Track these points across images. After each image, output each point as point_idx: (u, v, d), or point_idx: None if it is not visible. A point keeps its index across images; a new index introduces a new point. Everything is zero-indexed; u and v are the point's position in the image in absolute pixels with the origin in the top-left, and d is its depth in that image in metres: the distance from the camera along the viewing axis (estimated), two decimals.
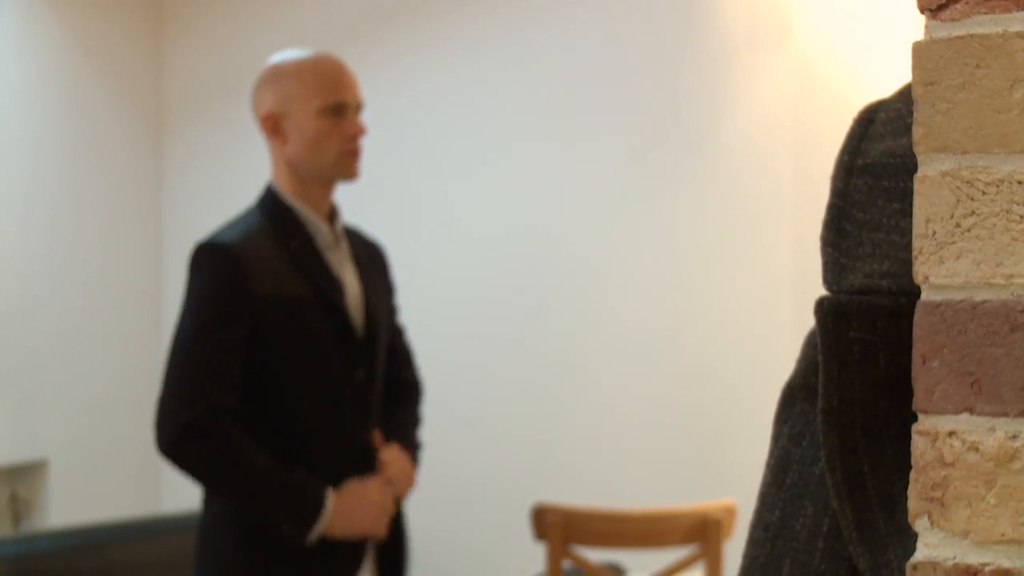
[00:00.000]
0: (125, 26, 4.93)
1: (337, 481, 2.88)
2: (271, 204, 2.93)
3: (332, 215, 2.98)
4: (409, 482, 3.01)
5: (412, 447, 3.06)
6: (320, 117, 2.90)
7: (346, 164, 2.93)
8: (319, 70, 2.92)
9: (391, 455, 2.96)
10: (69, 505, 4.61)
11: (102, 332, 4.80)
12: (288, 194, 2.93)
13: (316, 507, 2.81)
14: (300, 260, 2.88)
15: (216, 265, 2.82)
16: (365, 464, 2.92)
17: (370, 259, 3.07)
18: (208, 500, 2.92)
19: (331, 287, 2.89)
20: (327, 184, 2.96)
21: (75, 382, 4.69)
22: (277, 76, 2.94)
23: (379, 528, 2.92)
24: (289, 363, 2.84)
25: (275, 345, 2.83)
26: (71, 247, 4.71)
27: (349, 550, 2.91)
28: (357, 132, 2.94)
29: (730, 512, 3.35)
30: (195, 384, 2.78)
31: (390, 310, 3.10)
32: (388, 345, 3.06)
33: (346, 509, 2.84)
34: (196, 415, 2.77)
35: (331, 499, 2.83)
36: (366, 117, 3.02)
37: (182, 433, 2.77)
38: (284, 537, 2.81)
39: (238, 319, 2.80)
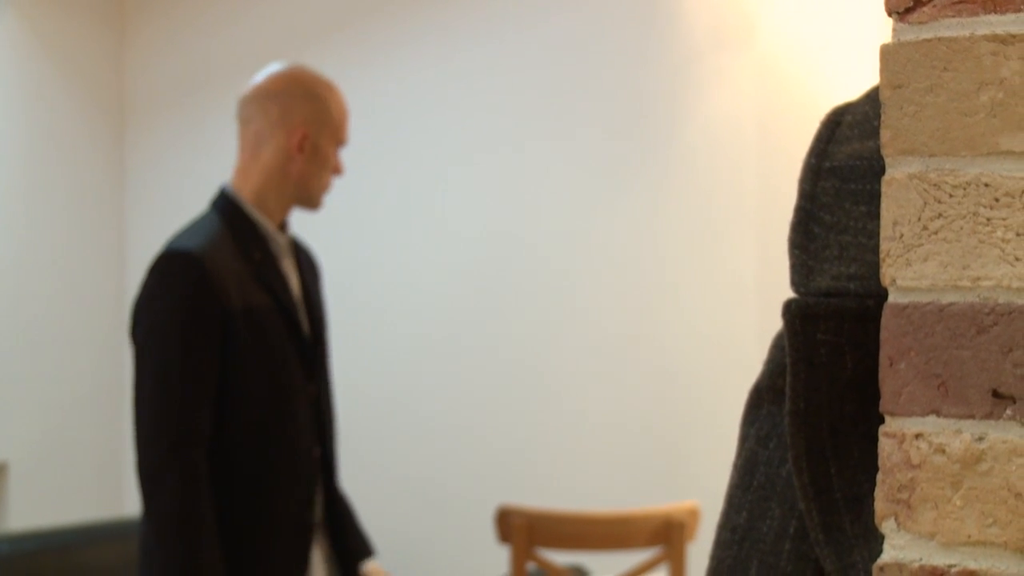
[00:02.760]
0: (87, 26, 4.90)
1: (288, 499, 2.86)
2: (231, 212, 2.91)
3: (283, 224, 2.98)
4: None
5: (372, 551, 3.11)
6: (336, 151, 2.99)
7: (321, 198, 3.01)
8: (341, 105, 3.01)
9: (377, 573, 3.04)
10: (29, 508, 4.57)
11: (63, 333, 4.77)
12: (248, 203, 2.92)
13: None
14: (262, 272, 2.87)
15: (187, 277, 2.77)
16: (312, 480, 2.91)
17: (309, 267, 3.07)
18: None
19: (289, 300, 2.89)
20: (292, 205, 2.98)
21: (36, 384, 4.66)
22: (313, 96, 2.96)
23: None
24: (253, 376, 2.81)
25: (241, 358, 2.79)
26: (33, 249, 4.68)
27: (295, 536, 2.88)
28: (341, 172, 3.03)
29: (694, 514, 3.36)
30: (187, 413, 2.75)
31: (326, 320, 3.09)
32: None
33: None
34: (191, 449, 2.75)
35: None
36: None
37: (165, 460, 2.73)
38: None
39: (211, 334, 2.77)
